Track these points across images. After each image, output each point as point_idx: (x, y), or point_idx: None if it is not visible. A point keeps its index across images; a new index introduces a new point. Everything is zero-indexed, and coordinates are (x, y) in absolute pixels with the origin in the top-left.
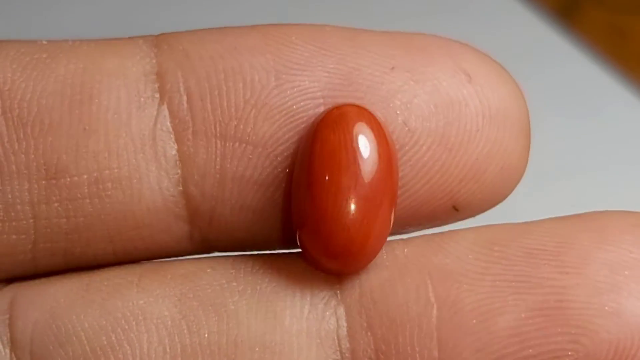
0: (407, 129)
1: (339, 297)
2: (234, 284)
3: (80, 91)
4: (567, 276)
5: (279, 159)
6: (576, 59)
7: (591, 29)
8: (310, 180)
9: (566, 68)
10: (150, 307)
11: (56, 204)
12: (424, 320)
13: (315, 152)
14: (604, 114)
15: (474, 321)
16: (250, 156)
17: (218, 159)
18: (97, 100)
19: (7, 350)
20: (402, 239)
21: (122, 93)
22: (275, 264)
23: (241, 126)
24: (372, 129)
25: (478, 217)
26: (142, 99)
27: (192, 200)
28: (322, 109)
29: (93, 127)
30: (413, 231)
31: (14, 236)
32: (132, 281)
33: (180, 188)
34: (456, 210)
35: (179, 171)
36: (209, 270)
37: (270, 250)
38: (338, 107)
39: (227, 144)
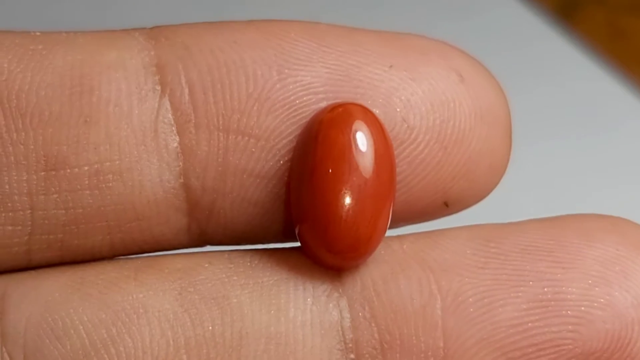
0: (406, 125)
1: (340, 290)
2: (235, 277)
3: (80, 83)
4: (562, 271)
5: (281, 152)
6: (576, 59)
7: (591, 29)
8: (312, 176)
9: (566, 68)
10: (151, 300)
11: (55, 195)
12: (428, 311)
13: (318, 149)
14: (603, 114)
15: (478, 312)
16: (253, 149)
17: (220, 151)
18: (97, 92)
19: None
20: (396, 236)
21: (123, 85)
22: (273, 258)
23: (244, 119)
24: (373, 128)
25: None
26: (142, 92)
27: (193, 192)
28: (324, 104)
29: (94, 118)
30: (403, 226)
31: (9, 227)
32: (129, 275)
33: (182, 180)
34: (446, 206)
35: (181, 164)
36: (206, 265)
37: (268, 243)
38: (340, 105)
39: (230, 137)
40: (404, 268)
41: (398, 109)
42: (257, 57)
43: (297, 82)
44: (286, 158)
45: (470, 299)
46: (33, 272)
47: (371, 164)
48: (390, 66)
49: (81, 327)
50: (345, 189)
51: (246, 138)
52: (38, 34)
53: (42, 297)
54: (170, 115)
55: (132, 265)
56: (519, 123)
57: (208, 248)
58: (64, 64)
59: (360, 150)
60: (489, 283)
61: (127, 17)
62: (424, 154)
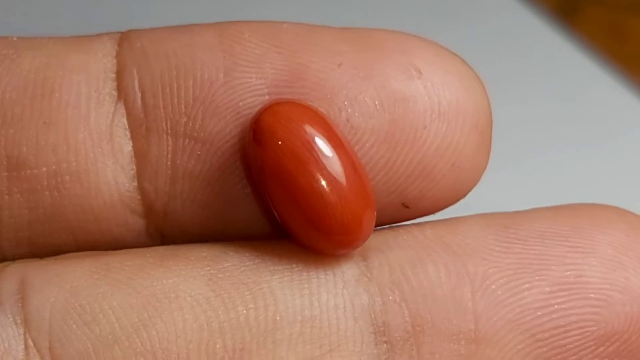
0: (350, 125)
1: (368, 275)
2: (263, 265)
3: (42, 85)
4: (581, 255)
5: (226, 155)
6: (576, 59)
7: (591, 28)
8: (283, 186)
9: (566, 68)
10: (182, 285)
11: (18, 195)
12: (457, 294)
13: (271, 161)
14: (604, 114)
15: (506, 295)
16: (199, 152)
17: (169, 155)
18: (57, 95)
19: (21, 331)
20: (415, 224)
21: (83, 88)
22: (297, 249)
23: (190, 123)
24: (315, 121)
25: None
26: (100, 95)
27: (147, 195)
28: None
29: (53, 120)
30: None
31: None
32: (155, 263)
33: (135, 184)
34: (406, 207)
35: (134, 167)
36: (232, 252)
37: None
38: (271, 108)
39: (178, 141)
40: (429, 253)
41: (342, 109)
42: (207, 60)
43: (242, 84)
44: (231, 160)
45: (498, 282)
46: (52, 259)
47: (331, 156)
48: (340, 64)
49: (111, 312)
50: (317, 176)
51: (192, 141)
52: (15, 39)
53: (67, 282)
54: (124, 119)
55: (155, 254)
56: (519, 123)
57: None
58: (30, 67)
59: (316, 147)
60: (514, 267)
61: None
62: (370, 153)
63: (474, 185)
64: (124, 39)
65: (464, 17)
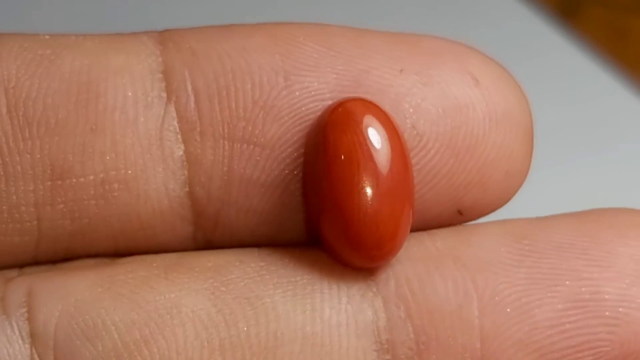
0: (415, 132)
1: (374, 289)
2: (267, 276)
3: (87, 89)
4: (598, 269)
5: (287, 161)
6: (576, 59)
7: (592, 28)
8: (329, 182)
9: (567, 68)
10: (184, 299)
11: (61, 206)
12: (464, 311)
13: (329, 155)
14: (604, 114)
15: (515, 313)
16: (258, 158)
17: (225, 160)
18: (103, 99)
19: (27, 346)
20: (427, 232)
21: (129, 92)
22: (304, 256)
23: (249, 128)
24: (381, 122)
25: None
26: (149, 98)
27: (198, 201)
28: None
29: (100, 126)
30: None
31: (17, 238)
32: (159, 274)
33: (187, 189)
34: (460, 214)
35: (186, 172)
36: (237, 263)
37: None
38: (342, 104)
39: (235, 146)
40: (438, 266)
41: (407, 115)
42: (264, 63)
43: (303, 88)
44: (292, 166)
45: (507, 299)
46: (59, 269)
47: (386, 161)
48: (401, 70)
49: (113, 328)
50: (362, 186)
51: (251, 146)
52: (47, 37)
53: (72, 295)
54: (175, 123)
55: (160, 264)
56: None
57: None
58: (71, 70)
59: (374, 149)
60: (525, 282)
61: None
62: (434, 161)
63: (518, 190)
64: (166, 38)
65: (464, 16)
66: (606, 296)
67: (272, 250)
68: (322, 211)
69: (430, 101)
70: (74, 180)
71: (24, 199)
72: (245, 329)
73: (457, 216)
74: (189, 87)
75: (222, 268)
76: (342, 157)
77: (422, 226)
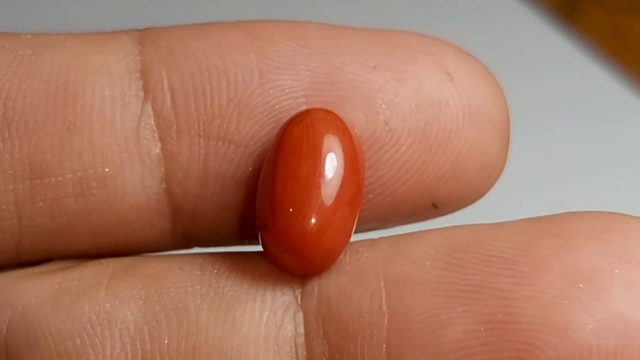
0: (388, 128)
1: (299, 303)
2: (198, 287)
3: (65, 90)
4: (518, 287)
5: (261, 157)
6: (576, 59)
7: (591, 28)
8: (272, 175)
9: (566, 68)
10: (116, 310)
11: (41, 204)
12: (375, 330)
13: (278, 146)
14: (604, 114)
15: (423, 333)
16: (233, 155)
17: (201, 157)
18: (81, 99)
19: None
20: (370, 240)
21: (107, 91)
22: (241, 265)
23: (224, 125)
24: (337, 130)
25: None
26: (126, 97)
27: (175, 198)
28: (303, 108)
29: (77, 126)
30: (393, 226)
31: None
32: (102, 282)
33: (164, 186)
34: (435, 208)
35: (163, 169)
36: (177, 270)
37: (254, 245)
38: (306, 115)
39: (210, 143)
40: (360, 281)
41: (380, 111)
42: (239, 61)
43: (277, 86)
44: None
45: (417, 317)
46: (16, 272)
47: (331, 164)
48: (374, 67)
49: (50, 337)
50: (303, 189)
51: (226, 144)
52: (29, 36)
53: (20, 303)
54: (152, 121)
55: (110, 270)
56: (519, 122)
57: (185, 251)
58: (50, 70)
59: (320, 149)
60: (439, 300)
61: (122, 15)
62: (406, 156)
63: (494, 184)
64: (145, 37)
65: (464, 16)
66: (520, 318)
67: (214, 258)
68: (264, 207)
69: (403, 97)
70: (53, 179)
71: (4, 198)
72: (166, 341)
73: (432, 210)
74: (166, 86)
75: (161, 276)
76: (289, 149)
77: (397, 220)
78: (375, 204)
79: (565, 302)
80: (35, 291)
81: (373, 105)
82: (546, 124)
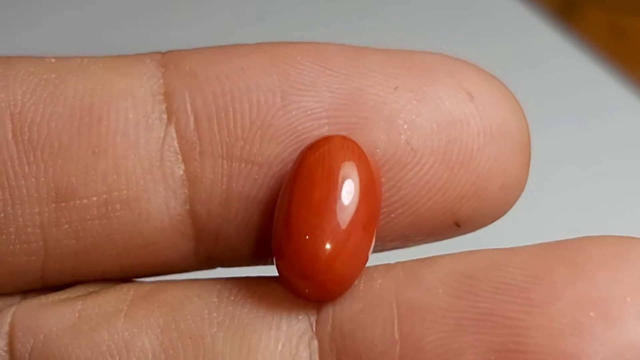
0: (409, 148)
1: (314, 330)
2: (214, 314)
3: (89, 113)
4: (529, 316)
5: (283, 178)
6: (576, 59)
7: (591, 29)
8: (287, 201)
9: (566, 68)
10: (134, 339)
11: (66, 226)
12: (387, 358)
13: (294, 172)
14: (604, 114)
15: None
16: (256, 176)
17: (224, 179)
18: (105, 122)
19: None
20: (385, 265)
21: (130, 114)
22: (258, 291)
23: (247, 147)
24: (354, 156)
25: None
26: (149, 120)
27: (199, 219)
28: (326, 129)
29: (102, 149)
30: (415, 245)
31: (24, 257)
32: (122, 309)
33: (187, 207)
34: (458, 226)
35: (186, 191)
36: (195, 298)
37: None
38: (323, 144)
39: (234, 165)
40: (373, 308)
41: (401, 132)
42: (262, 83)
43: (299, 107)
44: None
45: (428, 347)
46: (39, 299)
47: (348, 190)
48: (396, 88)
49: None
50: (318, 213)
51: (249, 165)
52: (53, 60)
53: (42, 331)
54: (175, 143)
55: (130, 297)
56: None
57: (203, 274)
58: (75, 94)
59: (337, 175)
60: (450, 328)
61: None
62: (428, 175)
63: (515, 202)
64: (168, 60)
65: (464, 17)
66: (530, 348)
67: (231, 284)
68: (279, 232)
69: (424, 117)
70: (78, 201)
71: (30, 221)
72: None
73: (455, 228)
74: (189, 108)
75: (179, 303)
76: (305, 175)
77: (419, 239)
78: (397, 223)
79: (576, 331)
80: (57, 319)
81: (395, 126)
82: (546, 123)
